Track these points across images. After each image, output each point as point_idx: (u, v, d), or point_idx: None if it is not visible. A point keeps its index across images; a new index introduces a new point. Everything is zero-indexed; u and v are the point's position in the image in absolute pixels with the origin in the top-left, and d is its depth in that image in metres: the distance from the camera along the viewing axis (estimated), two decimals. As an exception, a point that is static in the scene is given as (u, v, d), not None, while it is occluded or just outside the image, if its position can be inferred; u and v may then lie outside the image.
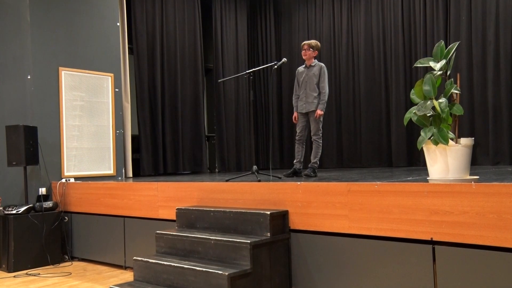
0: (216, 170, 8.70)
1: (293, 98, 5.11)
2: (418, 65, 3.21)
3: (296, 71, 5.15)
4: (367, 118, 7.93)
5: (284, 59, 4.92)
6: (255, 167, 4.46)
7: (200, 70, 8.29)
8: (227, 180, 4.36)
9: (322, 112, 4.83)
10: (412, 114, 3.14)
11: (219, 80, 5.86)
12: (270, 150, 9.07)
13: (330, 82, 8.45)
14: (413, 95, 3.17)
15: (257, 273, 3.38)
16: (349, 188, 3.33)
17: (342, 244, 3.35)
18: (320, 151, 4.89)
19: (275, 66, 4.80)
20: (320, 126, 4.88)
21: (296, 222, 3.61)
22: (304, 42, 4.99)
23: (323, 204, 3.45)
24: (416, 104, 3.14)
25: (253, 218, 3.62)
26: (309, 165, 4.90)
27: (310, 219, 3.52)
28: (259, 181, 4.04)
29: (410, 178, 3.90)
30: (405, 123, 3.23)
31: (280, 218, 3.61)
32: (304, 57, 4.97)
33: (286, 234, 3.62)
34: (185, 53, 8.09)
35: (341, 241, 3.36)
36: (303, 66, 5.06)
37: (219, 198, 4.17)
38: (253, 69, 4.81)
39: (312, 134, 4.89)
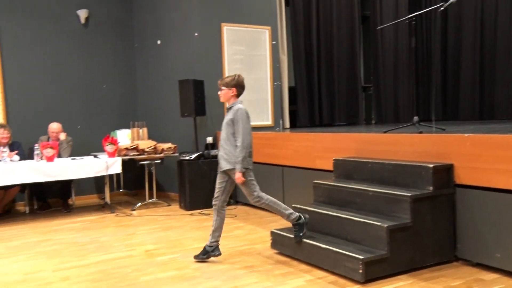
0: (373, 121, 8.48)
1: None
2: None
3: None
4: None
5: (452, -1, 4.43)
6: (416, 118, 4.22)
7: (357, 18, 7.99)
8: (385, 132, 4.22)
9: (241, 175, 3.47)
10: None
11: (378, 27, 5.58)
12: (432, 100, 8.47)
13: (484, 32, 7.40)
14: None
15: (417, 227, 3.26)
16: (528, 141, 2.95)
17: (518, 203, 3.02)
18: (277, 205, 3.69)
19: (442, 8, 4.37)
20: (252, 187, 3.59)
21: (463, 176, 3.35)
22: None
23: (495, 159, 3.13)
24: None
25: (413, 171, 3.46)
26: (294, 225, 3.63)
27: (480, 174, 3.23)
28: (421, 132, 3.82)
29: None
30: None
31: (444, 172, 3.39)
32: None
33: (451, 189, 3.40)
34: (340, 1, 7.85)
35: (516, 200, 3.03)
36: None
37: (376, 150, 4.08)
38: (416, 13, 4.45)
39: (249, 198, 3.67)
